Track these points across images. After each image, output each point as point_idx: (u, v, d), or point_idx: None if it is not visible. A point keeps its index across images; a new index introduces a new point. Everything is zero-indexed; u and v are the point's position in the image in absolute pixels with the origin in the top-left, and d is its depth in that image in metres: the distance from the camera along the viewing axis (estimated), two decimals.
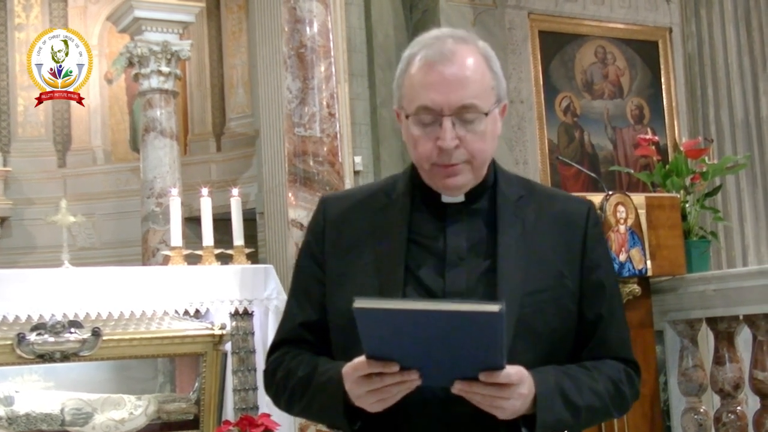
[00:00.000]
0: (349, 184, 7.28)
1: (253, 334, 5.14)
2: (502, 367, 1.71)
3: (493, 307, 1.61)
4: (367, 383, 1.72)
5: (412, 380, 1.71)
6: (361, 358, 1.72)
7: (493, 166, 1.99)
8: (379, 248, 1.93)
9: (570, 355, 1.95)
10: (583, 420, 1.89)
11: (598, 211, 4.07)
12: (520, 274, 1.88)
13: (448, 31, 1.94)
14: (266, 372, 2.03)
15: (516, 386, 1.73)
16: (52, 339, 4.64)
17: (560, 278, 1.92)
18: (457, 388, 1.71)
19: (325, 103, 6.53)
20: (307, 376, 1.91)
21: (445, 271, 1.89)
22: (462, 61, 1.87)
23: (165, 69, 9.83)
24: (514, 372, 1.73)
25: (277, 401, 2.02)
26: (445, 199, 1.94)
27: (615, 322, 1.99)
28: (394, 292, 1.87)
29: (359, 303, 1.64)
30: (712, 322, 4.17)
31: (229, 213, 5.60)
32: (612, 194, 4.13)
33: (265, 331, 5.15)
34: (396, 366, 1.69)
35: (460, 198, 1.94)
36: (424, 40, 1.92)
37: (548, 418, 1.80)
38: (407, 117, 1.90)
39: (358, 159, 8.27)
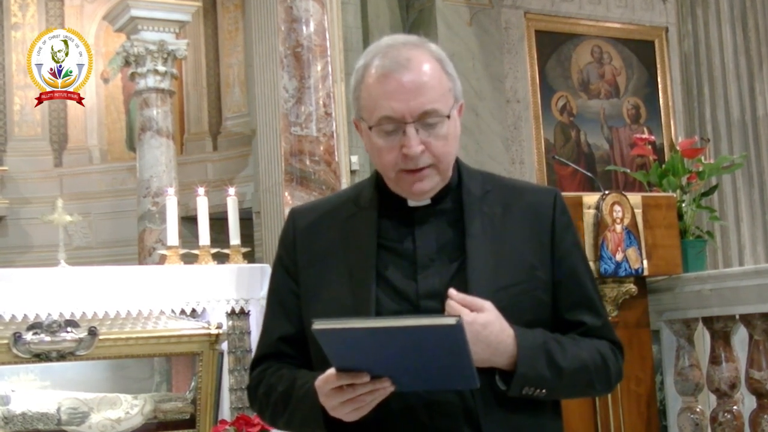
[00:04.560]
0: (345, 183, 7.28)
1: (249, 333, 5.13)
2: (473, 372, 1.72)
3: (450, 320, 1.63)
4: (340, 395, 1.73)
5: (385, 388, 1.72)
6: (332, 371, 1.73)
7: (457, 166, 2.00)
8: (350, 257, 1.94)
9: None
10: (564, 383, 1.89)
11: (594, 210, 4.07)
12: (490, 270, 1.88)
13: (400, 38, 1.94)
14: (249, 388, 2.05)
15: (475, 313, 1.78)
16: (48, 338, 4.64)
17: (532, 270, 1.93)
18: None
19: (321, 102, 6.54)
20: (286, 391, 1.92)
21: (417, 273, 1.90)
22: (418, 67, 1.87)
23: (161, 68, 9.83)
24: (480, 303, 1.79)
25: (262, 416, 2.03)
26: (411, 203, 1.95)
27: (593, 307, 2.00)
28: (367, 300, 1.88)
29: (318, 324, 1.65)
30: (708, 321, 4.17)
31: (226, 212, 5.60)
32: (608, 194, 4.13)
33: (260, 332, 5.14)
34: (366, 376, 1.70)
35: (426, 201, 1.94)
36: (377, 48, 1.93)
37: (529, 372, 1.82)
38: (370, 128, 1.90)
39: (354, 158, 8.26)
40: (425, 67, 1.88)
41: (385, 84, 1.87)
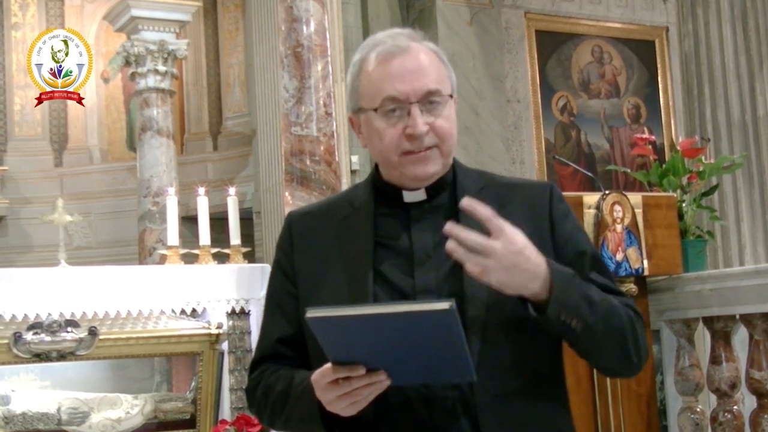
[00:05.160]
0: (345, 183, 7.28)
1: (249, 333, 5.13)
2: (469, 363, 1.71)
3: (443, 305, 1.62)
4: (336, 388, 1.73)
5: (381, 381, 1.71)
6: (328, 365, 1.73)
7: (453, 162, 2.01)
8: (347, 255, 1.95)
9: (556, 338, 1.92)
10: (598, 318, 1.83)
11: (595, 210, 4.07)
12: None
13: (395, 30, 1.98)
14: (248, 390, 2.05)
15: (505, 245, 1.73)
16: (48, 338, 4.64)
17: None
18: (447, 229, 1.73)
19: (321, 102, 6.54)
20: (284, 390, 1.92)
21: (414, 270, 1.90)
22: (417, 52, 1.92)
23: (161, 68, 9.82)
24: (519, 237, 1.75)
25: (261, 418, 2.04)
26: (407, 198, 1.95)
27: (605, 287, 1.96)
28: (364, 296, 1.88)
29: (311, 313, 1.65)
30: (708, 321, 4.17)
31: (226, 212, 5.59)
32: (609, 193, 4.13)
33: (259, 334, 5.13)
34: (362, 369, 1.70)
35: (422, 196, 1.95)
36: (374, 41, 1.96)
37: (564, 297, 1.78)
38: (375, 110, 1.90)
39: (354, 158, 8.26)
40: (423, 55, 1.92)
41: (387, 67, 1.90)
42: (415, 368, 1.72)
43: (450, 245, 1.73)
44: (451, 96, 1.92)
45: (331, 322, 1.65)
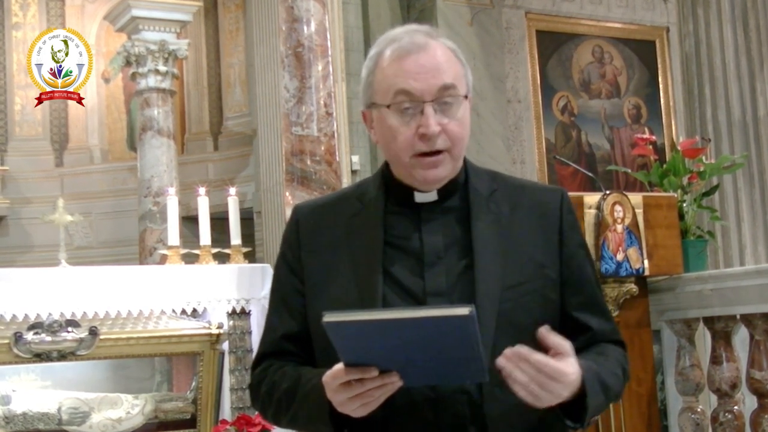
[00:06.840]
0: (346, 183, 7.28)
1: (250, 333, 5.14)
2: (483, 364, 1.70)
3: (463, 310, 1.61)
4: (348, 390, 1.71)
5: (393, 383, 1.70)
6: (340, 366, 1.71)
7: (465, 163, 2.00)
8: (356, 253, 1.92)
9: None
10: (608, 401, 1.90)
11: (595, 210, 4.07)
12: (497, 269, 1.87)
13: (413, 26, 1.95)
14: (251, 386, 2.04)
15: (565, 382, 1.72)
16: (49, 338, 4.64)
17: (540, 269, 1.92)
18: (503, 361, 1.69)
19: (322, 102, 6.55)
20: (291, 388, 1.90)
21: (424, 271, 1.89)
22: (434, 50, 1.89)
23: (162, 68, 9.82)
24: (572, 370, 1.73)
25: (264, 414, 2.02)
26: (419, 198, 1.94)
27: (600, 309, 2.00)
28: (373, 297, 1.87)
29: (329, 317, 1.63)
30: (709, 321, 4.17)
31: (227, 212, 5.60)
32: (609, 194, 4.13)
33: (262, 330, 5.14)
34: (375, 371, 1.69)
35: (433, 197, 1.94)
36: (392, 35, 1.94)
37: (594, 406, 1.81)
38: (388, 107, 1.88)
39: (355, 158, 8.26)
40: (440, 51, 1.89)
41: (402, 64, 1.87)
42: (427, 370, 1.72)
43: (506, 364, 1.70)
44: (466, 97, 1.90)
45: (349, 327, 1.64)
